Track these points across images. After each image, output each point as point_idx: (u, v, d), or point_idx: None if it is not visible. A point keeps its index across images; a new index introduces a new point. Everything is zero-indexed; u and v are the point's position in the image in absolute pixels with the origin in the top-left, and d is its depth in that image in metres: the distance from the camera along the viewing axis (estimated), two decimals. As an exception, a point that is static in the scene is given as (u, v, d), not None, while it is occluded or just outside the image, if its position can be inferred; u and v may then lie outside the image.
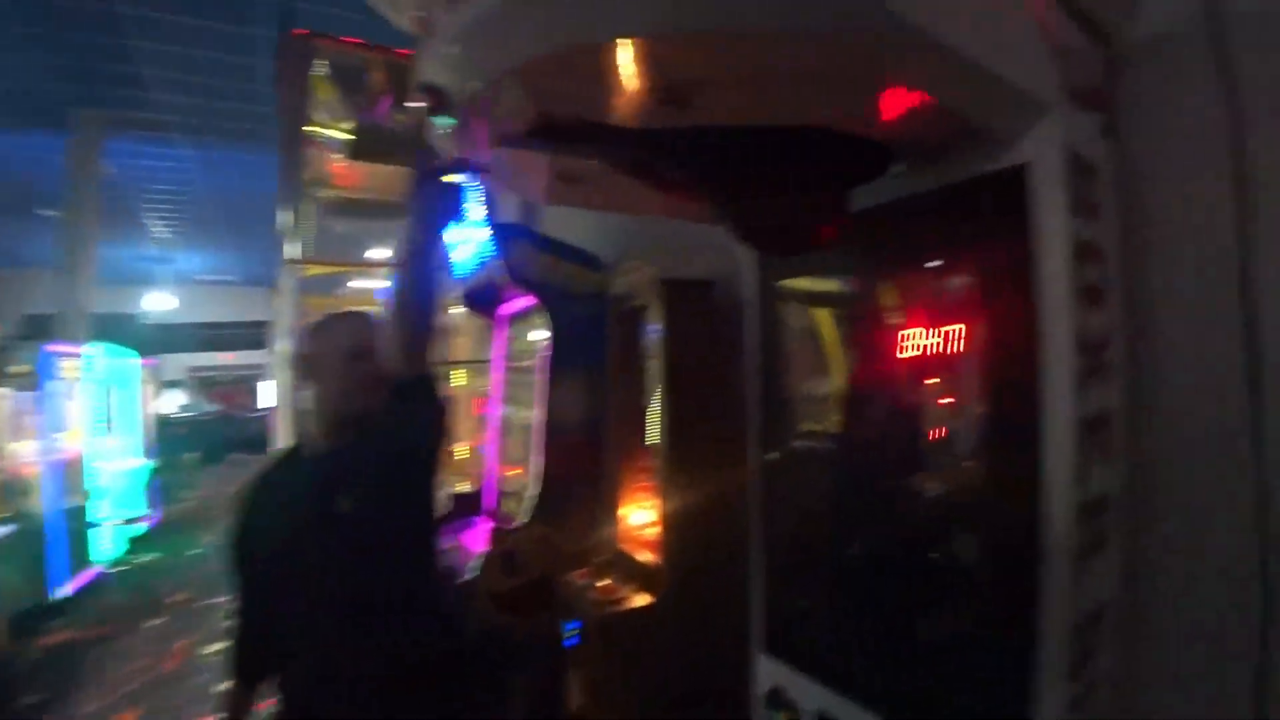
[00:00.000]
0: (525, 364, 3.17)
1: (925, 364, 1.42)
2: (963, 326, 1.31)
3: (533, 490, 2.72)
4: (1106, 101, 1.32)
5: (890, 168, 1.26)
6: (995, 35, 0.98)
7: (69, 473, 5.83)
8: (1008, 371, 1.18)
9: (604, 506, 2.61)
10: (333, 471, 1.50)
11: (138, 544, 7.47)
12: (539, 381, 2.74)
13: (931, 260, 1.37)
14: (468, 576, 2.57)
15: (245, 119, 9.16)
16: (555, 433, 2.65)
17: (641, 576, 2.30)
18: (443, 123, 1.06)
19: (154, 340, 11.48)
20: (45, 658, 4.43)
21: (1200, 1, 1.27)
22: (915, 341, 1.42)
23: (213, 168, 10.77)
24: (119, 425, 7.37)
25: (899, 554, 1.48)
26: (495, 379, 3.51)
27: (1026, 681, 1.12)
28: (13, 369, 5.39)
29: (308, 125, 5.17)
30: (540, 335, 2.74)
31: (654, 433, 2.25)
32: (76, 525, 5.88)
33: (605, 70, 0.85)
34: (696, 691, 2.16)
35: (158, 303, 15.01)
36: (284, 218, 5.29)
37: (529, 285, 2.65)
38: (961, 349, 1.32)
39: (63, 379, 5.91)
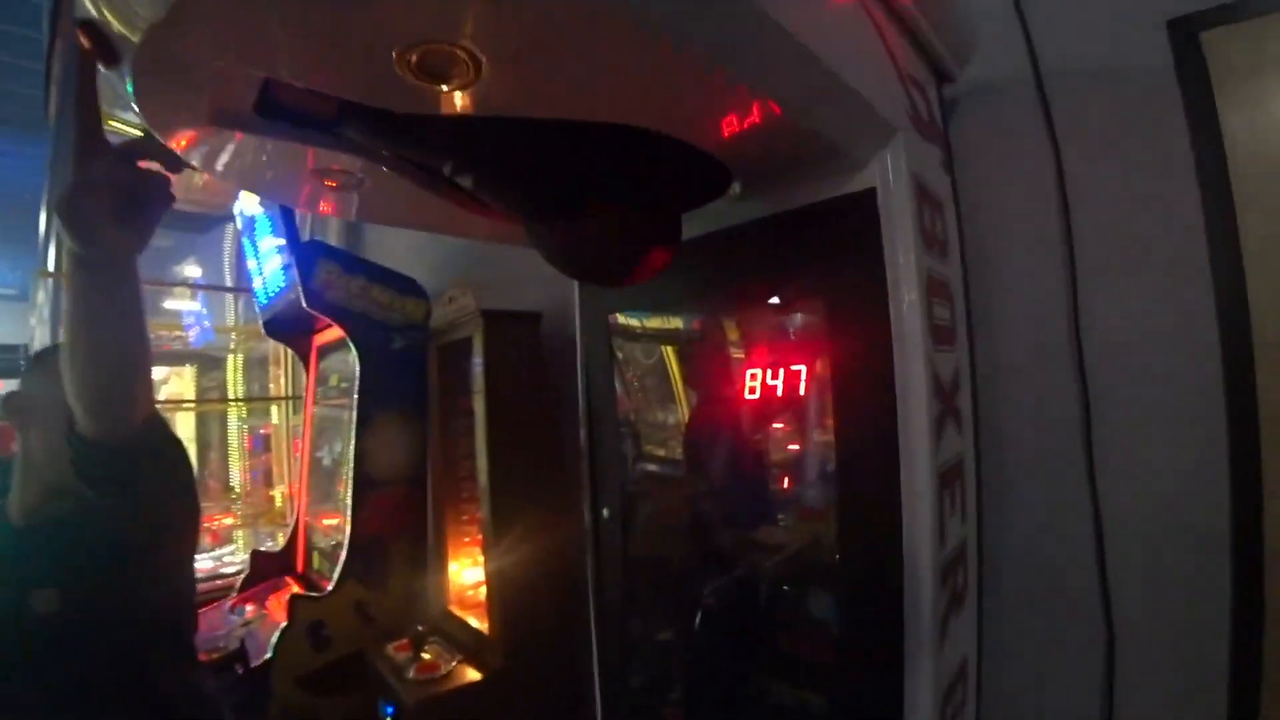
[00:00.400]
0: (338, 401, 2.77)
1: (770, 406, 1.29)
2: (807, 366, 1.20)
3: (346, 548, 2.34)
4: (944, 137, 1.27)
5: (728, 189, 1.10)
6: (851, 49, 0.86)
7: None
8: (860, 416, 1.05)
9: (427, 566, 2.30)
10: (29, 556, 1.11)
11: None
12: (352, 422, 2.38)
13: (775, 292, 1.24)
14: (266, 655, 2.16)
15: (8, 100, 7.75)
16: (370, 482, 2.30)
17: (471, 646, 2.02)
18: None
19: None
20: None
21: (1024, 54, 1.33)
22: (760, 381, 1.28)
23: None
24: None
25: (746, 619, 1.33)
26: (306, 417, 3.06)
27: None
28: None
29: (94, 115, 4.35)
30: (352, 370, 2.37)
31: (481, 480, 1.98)
32: None
33: (321, 21, 0.60)
34: None
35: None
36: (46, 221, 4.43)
37: (334, 313, 2.28)
38: (809, 390, 1.20)
39: None
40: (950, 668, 1.08)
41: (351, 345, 2.29)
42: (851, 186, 1.02)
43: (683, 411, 1.59)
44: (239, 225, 3.08)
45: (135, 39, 0.62)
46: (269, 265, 2.71)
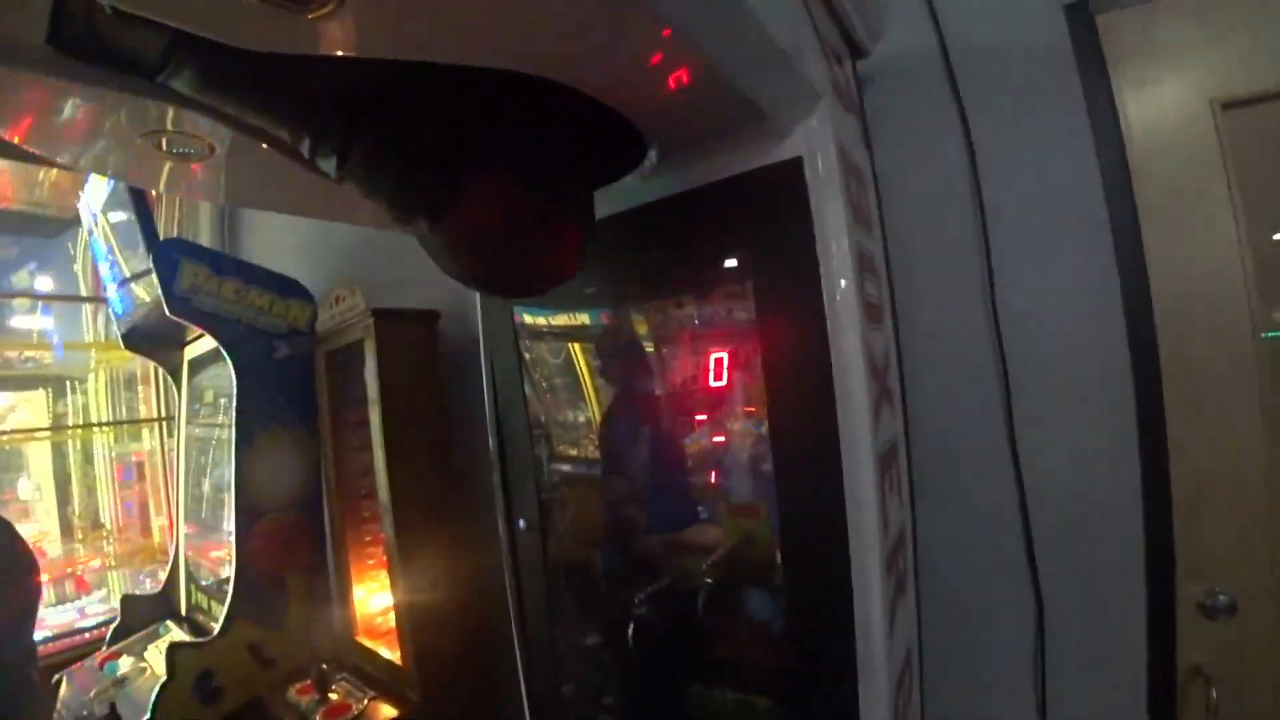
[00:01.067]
0: (216, 420, 2.49)
1: (693, 397, 1.22)
2: (731, 351, 1.13)
3: (233, 584, 2.10)
4: (861, 111, 1.23)
5: (644, 160, 1.00)
6: (781, 10, 0.78)
7: None
8: (794, 401, 0.99)
9: (329, 596, 2.09)
10: None
11: None
12: (232, 442, 2.13)
13: (696, 273, 1.16)
14: (145, 717, 1.89)
15: None
16: (257, 509, 2.06)
17: (384, 680, 1.85)
18: None
19: None
20: None
21: (933, 33, 1.34)
22: (680, 371, 1.21)
23: None
24: None
25: (681, 625, 1.25)
26: (179, 440, 2.74)
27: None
28: None
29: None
30: (229, 384, 2.12)
31: (381, 496, 1.81)
32: None
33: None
34: None
35: None
36: None
37: (204, 320, 2.03)
38: (733, 377, 1.14)
39: None
40: (899, 657, 1.04)
41: (227, 357, 2.04)
42: (777, 156, 0.94)
43: (595, 410, 1.49)
44: (89, 224, 2.71)
45: None
46: (119, 268, 2.40)
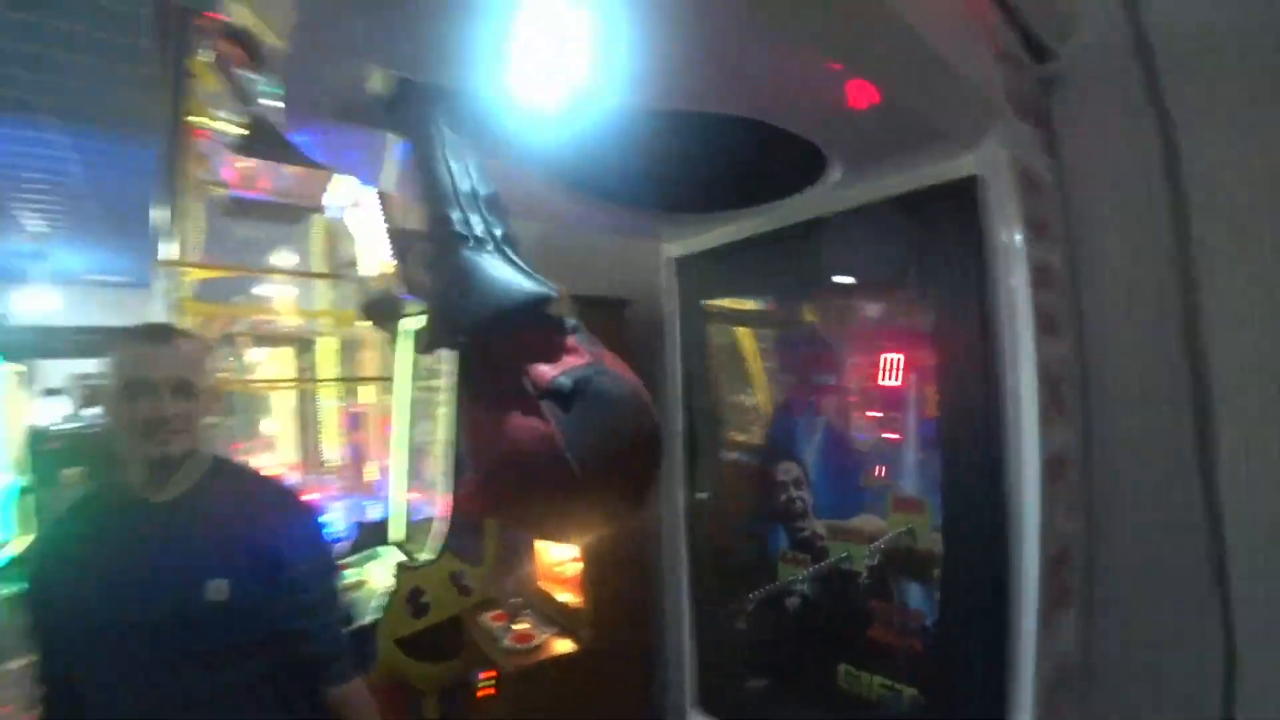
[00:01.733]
0: (435, 382, 2.91)
1: (867, 394, 1.31)
2: (906, 354, 1.20)
3: (445, 523, 2.48)
4: (1045, 117, 1.23)
5: (826, 175, 1.11)
6: (951, 30, 0.86)
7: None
8: (963, 405, 1.05)
9: (518, 545, 2.40)
10: (171, 528, 1.23)
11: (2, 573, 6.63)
12: (450, 402, 2.50)
13: (876, 279, 1.24)
14: (370, 618, 2.32)
15: (126, 106, 8.31)
16: (466, 462, 2.42)
17: (562, 621, 2.11)
18: (263, 85, 0.81)
19: (26, 344, 10.35)
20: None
21: (1131, 24, 1.24)
22: (857, 369, 1.30)
23: (93, 159, 9.75)
24: (-11, 447, 6.56)
25: (838, 607, 1.36)
26: (399, 397, 3.22)
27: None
28: None
29: (193, 114, 4.65)
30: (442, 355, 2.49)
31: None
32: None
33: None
34: None
35: (33, 303, 13.53)
36: (161, 215, 4.78)
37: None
38: (906, 378, 1.21)
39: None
40: (1052, 666, 1.07)
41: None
42: (953, 173, 1.01)
43: (765, 397, 1.61)
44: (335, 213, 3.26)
45: (279, 43, 0.70)
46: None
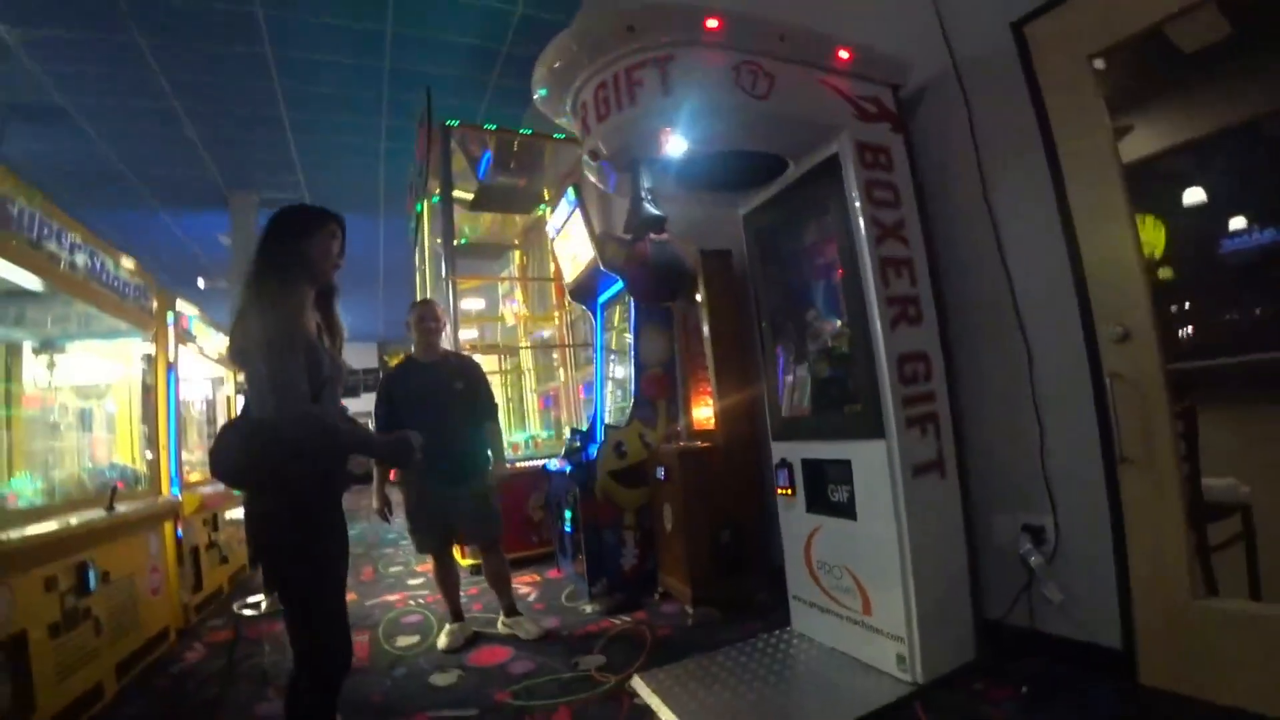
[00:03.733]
0: (619, 332, 4.60)
1: (830, 278, 2.75)
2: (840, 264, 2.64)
3: (631, 403, 4.10)
4: (894, 116, 2.57)
5: (789, 168, 2.64)
6: (822, 101, 2.36)
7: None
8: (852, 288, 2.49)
9: (677, 413, 3.99)
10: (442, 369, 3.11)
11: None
12: (632, 338, 4.15)
13: (819, 215, 2.71)
14: (595, 457, 3.94)
15: (365, 193, 11.24)
16: (643, 365, 4.05)
17: (703, 437, 3.66)
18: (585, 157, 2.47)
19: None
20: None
21: (950, 62, 2.57)
22: (823, 267, 2.74)
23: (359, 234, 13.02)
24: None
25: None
26: (598, 345, 4.95)
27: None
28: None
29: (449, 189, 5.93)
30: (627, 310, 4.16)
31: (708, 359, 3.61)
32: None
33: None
34: (738, 494, 3.50)
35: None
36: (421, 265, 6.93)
37: (642, 264, 3.95)
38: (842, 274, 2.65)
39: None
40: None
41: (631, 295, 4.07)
42: (829, 152, 2.46)
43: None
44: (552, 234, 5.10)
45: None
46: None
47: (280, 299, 1.69)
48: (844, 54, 2.40)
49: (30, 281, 2.75)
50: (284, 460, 1.64)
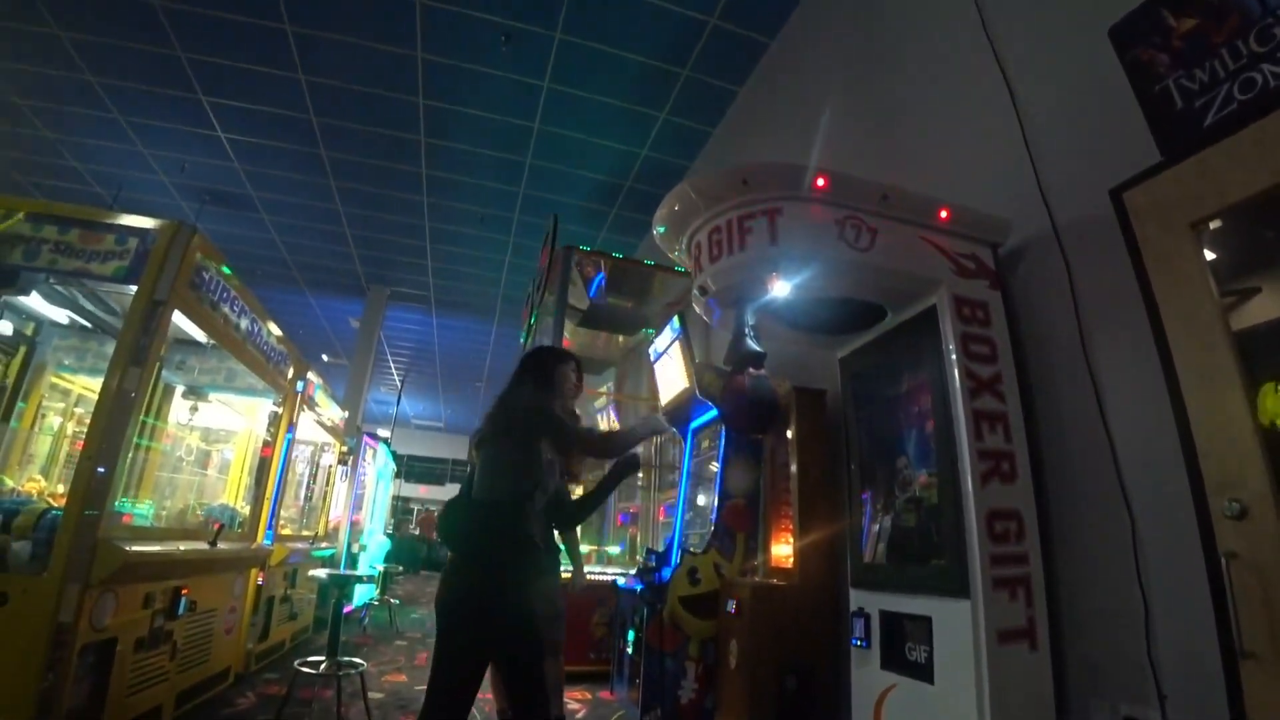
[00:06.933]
0: (706, 454, 4.67)
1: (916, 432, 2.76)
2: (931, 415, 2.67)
3: (711, 531, 4.09)
4: (993, 273, 2.65)
5: (888, 317, 2.74)
6: (921, 257, 2.49)
7: (354, 528, 8.01)
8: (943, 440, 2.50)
9: (756, 547, 3.93)
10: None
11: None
12: (719, 466, 4.21)
13: (914, 365, 2.76)
14: (668, 580, 3.90)
15: (485, 300, 12.28)
16: (727, 494, 4.07)
17: (779, 575, 3.57)
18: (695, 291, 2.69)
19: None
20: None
21: (1049, 224, 2.66)
22: (912, 417, 2.77)
23: (442, 332, 14.26)
24: (377, 505, 9.79)
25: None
26: (684, 470, 5.01)
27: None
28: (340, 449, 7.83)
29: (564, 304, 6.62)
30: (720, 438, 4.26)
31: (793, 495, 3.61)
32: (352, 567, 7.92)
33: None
34: (809, 638, 3.35)
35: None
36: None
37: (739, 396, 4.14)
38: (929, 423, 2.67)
39: (365, 460, 8.40)
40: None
41: (724, 426, 4.17)
42: (928, 304, 2.56)
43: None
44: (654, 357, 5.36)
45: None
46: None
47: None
48: (944, 213, 2.58)
49: (201, 335, 3.24)
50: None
